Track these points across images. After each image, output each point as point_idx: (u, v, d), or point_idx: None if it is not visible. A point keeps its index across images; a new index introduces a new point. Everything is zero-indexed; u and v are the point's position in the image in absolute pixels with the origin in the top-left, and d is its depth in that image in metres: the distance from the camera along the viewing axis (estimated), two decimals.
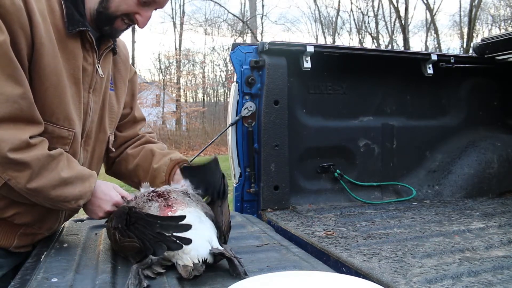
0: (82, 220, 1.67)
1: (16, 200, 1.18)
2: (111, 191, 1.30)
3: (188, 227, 1.03)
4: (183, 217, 1.05)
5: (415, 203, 2.19)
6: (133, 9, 1.24)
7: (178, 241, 1.01)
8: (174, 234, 1.03)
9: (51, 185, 1.14)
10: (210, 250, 1.05)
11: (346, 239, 1.51)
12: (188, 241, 1.02)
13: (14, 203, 1.20)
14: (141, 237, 1.06)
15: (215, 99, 25.98)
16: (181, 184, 1.35)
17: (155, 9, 1.29)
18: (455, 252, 1.35)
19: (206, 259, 1.03)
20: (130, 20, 1.27)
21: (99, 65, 1.32)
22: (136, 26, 1.29)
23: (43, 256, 1.22)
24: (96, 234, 1.48)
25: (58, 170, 1.15)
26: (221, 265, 1.11)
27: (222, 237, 1.19)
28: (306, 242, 1.52)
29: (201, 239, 1.06)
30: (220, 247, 1.08)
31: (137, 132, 1.62)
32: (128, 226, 1.11)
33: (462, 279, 1.13)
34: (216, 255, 1.06)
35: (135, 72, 1.61)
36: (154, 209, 1.19)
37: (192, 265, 1.01)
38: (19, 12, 1.06)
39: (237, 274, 1.04)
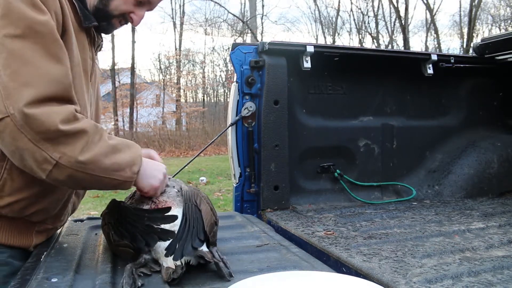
0: (82, 220, 1.68)
1: (50, 191, 1.18)
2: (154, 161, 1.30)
3: (174, 218, 1.08)
4: (169, 209, 1.11)
5: (415, 203, 2.19)
6: (130, 8, 1.29)
7: (167, 231, 1.05)
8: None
9: (104, 153, 1.08)
10: (192, 252, 1.05)
11: (346, 239, 1.51)
12: (173, 234, 1.06)
13: (37, 201, 1.19)
14: (132, 231, 1.09)
15: (215, 99, 26.01)
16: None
17: (147, 10, 1.35)
18: (455, 252, 1.35)
19: (189, 261, 1.03)
20: (125, 19, 1.33)
21: (96, 60, 1.38)
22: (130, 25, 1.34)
23: (43, 256, 1.22)
24: (96, 234, 1.48)
25: (105, 139, 1.12)
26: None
27: (207, 238, 1.17)
28: (306, 242, 1.52)
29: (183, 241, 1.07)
30: (205, 249, 1.08)
31: None
32: (120, 221, 1.14)
33: (462, 279, 1.13)
34: (198, 257, 1.06)
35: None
36: None
37: (174, 267, 1.01)
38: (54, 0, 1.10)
39: (222, 276, 1.03)
